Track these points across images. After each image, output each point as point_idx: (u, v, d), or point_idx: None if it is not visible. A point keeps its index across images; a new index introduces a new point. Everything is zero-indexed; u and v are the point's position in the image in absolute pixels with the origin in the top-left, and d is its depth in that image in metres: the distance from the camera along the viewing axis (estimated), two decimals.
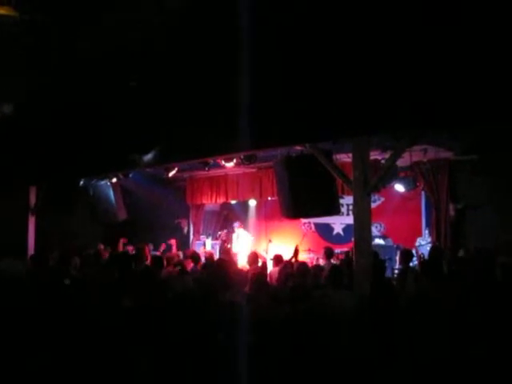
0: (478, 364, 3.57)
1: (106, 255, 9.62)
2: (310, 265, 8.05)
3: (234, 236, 12.52)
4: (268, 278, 7.37)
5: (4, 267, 7.53)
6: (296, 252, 8.73)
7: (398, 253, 8.35)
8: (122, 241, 11.28)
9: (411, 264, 8.77)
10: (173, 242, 11.49)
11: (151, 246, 11.49)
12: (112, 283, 5.94)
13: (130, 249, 10.61)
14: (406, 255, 7.56)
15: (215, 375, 3.63)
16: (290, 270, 7.17)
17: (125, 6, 5.34)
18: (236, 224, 12.62)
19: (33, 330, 4.50)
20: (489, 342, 3.77)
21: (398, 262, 8.18)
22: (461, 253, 8.22)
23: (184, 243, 13.07)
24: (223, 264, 7.06)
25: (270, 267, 8.68)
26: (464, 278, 5.72)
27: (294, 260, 8.49)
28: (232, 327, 3.94)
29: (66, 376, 4.08)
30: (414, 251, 9.48)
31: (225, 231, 12.98)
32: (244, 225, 13.08)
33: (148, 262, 9.03)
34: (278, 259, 8.27)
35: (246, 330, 3.88)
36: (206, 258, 9.07)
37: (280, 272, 7.18)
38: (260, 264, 7.99)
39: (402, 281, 6.66)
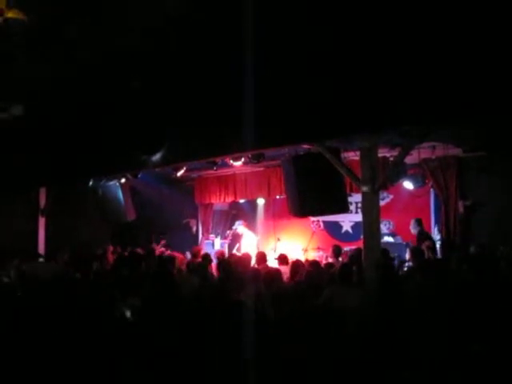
0: (480, 360, 3.57)
1: (114, 256, 9.70)
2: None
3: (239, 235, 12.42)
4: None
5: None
6: None
7: (408, 250, 8.33)
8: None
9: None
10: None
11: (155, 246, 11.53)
12: (120, 283, 5.98)
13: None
14: (417, 252, 7.54)
15: (221, 374, 3.64)
16: (302, 268, 7.18)
17: (132, 8, 5.37)
18: (239, 222, 12.49)
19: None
20: (492, 339, 3.77)
21: (408, 260, 8.15)
22: (472, 249, 8.21)
23: (193, 243, 13.10)
24: (235, 264, 7.10)
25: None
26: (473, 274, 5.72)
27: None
28: (240, 326, 3.95)
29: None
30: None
31: (232, 231, 12.93)
32: (252, 223, 13.08)
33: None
34: (283, 259, 8.27)
35: (255, 329, 3.90)
36: (218, 258, 9.09)
37: (291, 270, 7.19)
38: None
39: (410, 277, 6.64)
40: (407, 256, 8.68)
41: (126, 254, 9.94)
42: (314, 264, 7.36)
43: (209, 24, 5.70)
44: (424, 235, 8.99)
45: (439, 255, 8.56)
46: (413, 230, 9.28)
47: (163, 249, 11.11)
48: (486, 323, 3.93)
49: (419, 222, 9.25)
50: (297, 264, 7.33)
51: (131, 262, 7.69)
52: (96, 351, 4.14)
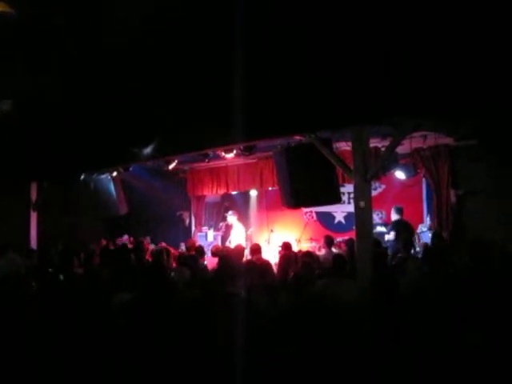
0: (476, 350, 3.60)
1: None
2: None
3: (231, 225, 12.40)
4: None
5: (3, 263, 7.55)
6: None
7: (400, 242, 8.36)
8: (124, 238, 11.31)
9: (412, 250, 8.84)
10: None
11: (149, 239, 11.52)
12: (111, 277, 5.96)
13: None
14: (407, 243, 7.57)
15: (216, 368, 3.64)
16: (294, 259, 7.17)
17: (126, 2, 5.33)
18: (230, 213, 12.36)
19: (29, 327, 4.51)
20: (486, 328, 3.80)
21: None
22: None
23: (186, 235, 13.10)
24: (230, 256, 7.10)
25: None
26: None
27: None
28: (233, 319, 3.96)
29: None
30: (415, 238, 9.51)
31: (225, 223, 12.88)
32: (245, 215, 13.07)
33: (147, 255, 9.07)
34: (288, 247, 8.19)
35: (248, 321, 3.91)
36: (213, 252, 9.08)
37: (283, 263, 7.18)
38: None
39: (402, 269, 6.67)
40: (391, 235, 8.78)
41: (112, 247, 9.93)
42: (309, 255, 7.37)
43: (199, 17, 5.67)
44: (401, 225, 9.09)
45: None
46: (393, 218, 9.38)
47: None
48: (482, 313, 3.96)
49: (398, 211, 9.33)
50: (289, 256, 7.31)
51: (120, 255, 7.67)
52: (87, 348, 4.13)
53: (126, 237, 11.52)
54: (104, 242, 10.79)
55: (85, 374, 3.97)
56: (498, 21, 3.83)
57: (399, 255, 7.42)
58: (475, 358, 3.51)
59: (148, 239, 11.50)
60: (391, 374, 3.45)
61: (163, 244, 10.65)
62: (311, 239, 11.53)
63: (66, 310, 4.66)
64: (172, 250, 9.40)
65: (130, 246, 10.15)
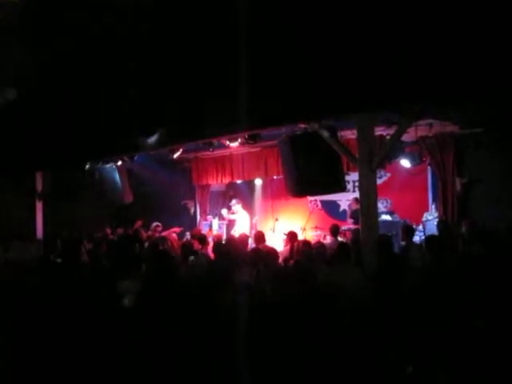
0: (480, 335, 3.60)
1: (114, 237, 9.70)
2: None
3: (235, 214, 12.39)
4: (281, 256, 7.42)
5: (15, 253, 7.56)
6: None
7: (400, 228, 8.35)
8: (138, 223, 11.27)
9: (417, 238, 8.83)
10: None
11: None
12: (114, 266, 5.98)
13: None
14: (408, 230, 7.55)
15: (221, 357, 3.66)
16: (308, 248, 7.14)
17: None
18: (234, 201, 12.36)
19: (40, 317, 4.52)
20: (489, 314, 3.80)
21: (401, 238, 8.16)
22: (463, 228, 8.23)
23: (191, 224, 13.12)
24: (233, 244, 7.11)
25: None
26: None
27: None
28: (245, 307, 3.97)
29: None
30: (421, 227, 9.49)
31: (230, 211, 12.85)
32: (250, 204, 13.07)
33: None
34: (293, 236, 8.20)
35: (256, 310, 3.92)
36: (215, 242, 9.09)
37: (303, 247, 7.13)
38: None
39: (405, 256, 6.66)
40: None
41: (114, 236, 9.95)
42: (308, 244, 7.36)
43: (204, 2, 5.64)
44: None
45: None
46: (354, 208, 9.38)
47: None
48: (489, 298, 3.96)
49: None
50: (305, 244, 7.30)
51: (123, 244, 7.69)
52: (96, 338, 4.15)
53: (139, 222, 11.49)
54: (109, 231, 10.83)
55: (90, 362, 4.00)
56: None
57: (402, 243, 7.41)
58: (478, 342, 3.51)
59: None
60: (392, 361, 3.46)
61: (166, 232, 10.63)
62: (316, 227, 11.53)
63: (72, 297, 4.68)
64: (174, 238, 9.44)
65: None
